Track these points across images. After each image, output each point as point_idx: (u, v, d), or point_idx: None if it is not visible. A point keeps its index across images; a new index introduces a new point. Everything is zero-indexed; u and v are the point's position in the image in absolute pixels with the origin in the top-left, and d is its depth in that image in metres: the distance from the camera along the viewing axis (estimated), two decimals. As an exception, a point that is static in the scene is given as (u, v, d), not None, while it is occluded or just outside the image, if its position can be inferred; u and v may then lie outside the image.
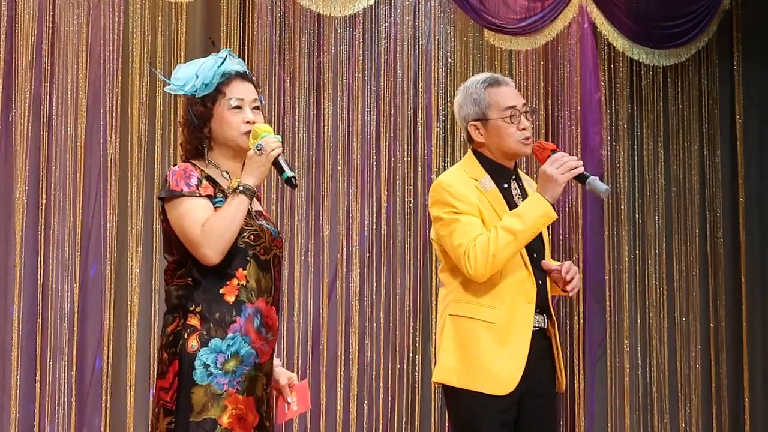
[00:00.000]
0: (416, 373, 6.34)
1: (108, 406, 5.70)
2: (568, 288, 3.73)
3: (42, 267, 5.62)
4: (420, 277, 6.41)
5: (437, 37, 6.59)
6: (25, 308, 5.56)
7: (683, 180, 7.33)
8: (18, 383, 5.53)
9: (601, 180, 3.68)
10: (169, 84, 3.44)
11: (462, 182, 3.77)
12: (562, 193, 3.69)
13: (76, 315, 5.66)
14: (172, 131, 5.92)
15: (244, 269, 3.28)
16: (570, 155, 3.65)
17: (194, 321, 3.25)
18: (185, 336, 3.24)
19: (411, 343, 6.35)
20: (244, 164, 3.32)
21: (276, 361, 3.48)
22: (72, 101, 5.71)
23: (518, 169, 3.89)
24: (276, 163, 3.27)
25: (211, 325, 3.24)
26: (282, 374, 3.50)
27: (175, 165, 3.35)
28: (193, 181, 3.29)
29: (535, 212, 3.60)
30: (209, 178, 3.33)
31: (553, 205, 3.62)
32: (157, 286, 5.82)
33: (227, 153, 3.37)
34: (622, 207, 7.12)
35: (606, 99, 7.08)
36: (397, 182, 6.41)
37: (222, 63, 3.39)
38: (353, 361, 6.23)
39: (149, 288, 5.82)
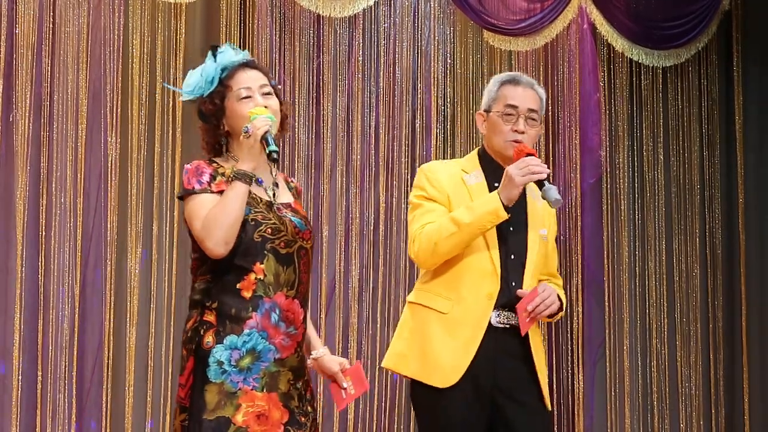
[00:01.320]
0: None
1: (108, 407, 5.71)
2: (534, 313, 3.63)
3: (43, 267, 5.63)
4: (417, 278, 6.40)
5: (437, 38, 6.60)
6: (25, 308, 5.57)
7: (683, 180, 7.34)
8: (19, 383, 5.54)
9: (559, 191, 3.62)
10: (181, 94, 3.44)
11: (445, 170, 3.79)
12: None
13: (76, 315, 5.66)
14: (172, 132, 5.93)
15: (262, 263, 3.25)
16: (541, 163, 3.59)
17: (210, 317, 3.24)
18: (201, 332, 3.24)
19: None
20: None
21: (323, 350, 3.48)
22: (72, 102, 5.73)
23: None
24: (264, 141, 3.25)
25: (227, 321, 3.23)
26: (332, 361, 3.48)
27: (188, 164, 3.36)
28: (205, 178, 3.29)
29: (484, 208, 3.57)
30: (225, 174, 3.32)
31: (506, 207, 3.56)
32: (155, 287, 5.84)
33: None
34: (622, 207, 7.13)
35: (605, 100, 7.09)
36: (396, 183, 6.42)
37: (216, 55, 3.39)
38: (351, 361, 6.22)
39: (148, 289, 5.83)
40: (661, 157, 7.28)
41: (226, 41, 6.05)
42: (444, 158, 6.52)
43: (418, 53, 6.55)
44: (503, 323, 3.66)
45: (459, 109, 6.65)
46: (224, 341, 3.21)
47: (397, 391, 6.34)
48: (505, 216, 3.58)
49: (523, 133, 3.72)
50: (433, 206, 3.71)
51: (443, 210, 3.69)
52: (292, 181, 3.57)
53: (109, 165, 5.78)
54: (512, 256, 3.70)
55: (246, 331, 3.22)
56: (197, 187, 3.28)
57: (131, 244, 5.80)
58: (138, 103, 5.87)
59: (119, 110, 5.82)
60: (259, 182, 3.33)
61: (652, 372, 7.13)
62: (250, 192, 3.27)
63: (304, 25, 6.28)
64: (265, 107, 3.32)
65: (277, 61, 6.19)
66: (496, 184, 3.71)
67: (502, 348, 3.65)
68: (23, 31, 5.64)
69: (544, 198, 3.57)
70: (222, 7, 6.10)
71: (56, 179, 5.68)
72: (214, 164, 3.34)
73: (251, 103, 3.33)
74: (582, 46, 6.97)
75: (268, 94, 3.38)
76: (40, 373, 5.58)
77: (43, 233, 5.65)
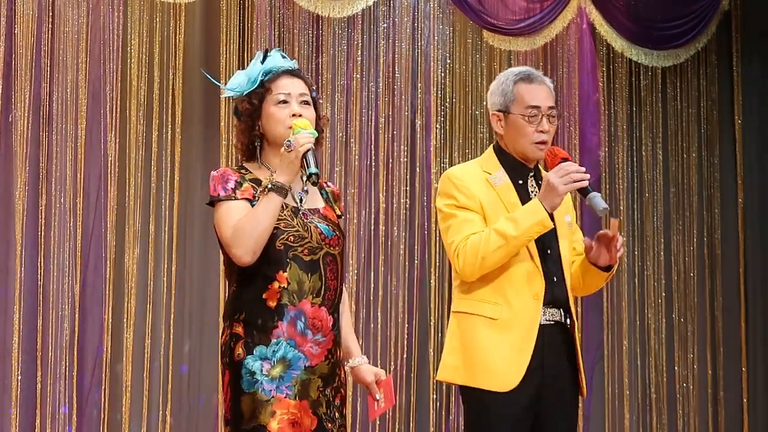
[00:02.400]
0: (413, 374, 6.35)
1: (107, 407, 5.71)
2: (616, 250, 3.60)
3: (42, 267, 5.64)
4: (417, 278, 6.41)
5: (436, 38, 6.60)
6: (25, 308, 5.58)
7: (682, 181, 7.34)
8: (18, 383, 5.54)
9: (603, 198, 3.59)
10: (224, 90, 3.46)
11: (470, 175, 3.73)
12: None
13: (76, 315, 5.67)
14: (171, 132, 5.93)
15: (285, 271, 3.26)
16: (579, 166, 3.55)
17: (239, 329, 3.27)
18: (232, 345, 3.27)
19: (408, 343, 6.36)
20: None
21: (360, 359, 3.49)
22: (72, 101, 5.73)
23: (540, 167, 3.81)
24: (304, 159, 3.25)
25: (255, 331, 3.25)
26: (368, 372, 3.49)
27: (215, 170, 3.37)
28: (230, 184, 3.30)
29: (530, 219, 3.52)
30: (254, 181, 3.33)
31: (551, 215, 3.53)
32: (152, 288, 5.84)
33: (278, 151, 3.33)
34: (621, 208, 7.12)
35: (605, 100, 7.09)
36: (396, 183, 6.42)
37: (264, 58, 3.40)
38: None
39: (145, 289, 5.83)
40: (660, 158, 7.28)
41: (225, 42, 6.06)
42: (442, 159, 6.54)
43: (417, 53, 6.54)
44: (549, 320, 3.65)
45: (458, 108, 6.65)
46: (254, 352, 3.24)
47: (397, 394, 6.34)
48: (551, 225, 3.54)
49: (547, 132, 3.70)
50: (470, 216, 3.65)
51: (480, 219, 3.65)
52: (327, 186, 3.57)
53: (109, 165, 5.78)
54: (548, 251, 3.67)
55: (274, 340, 3.25)
56: (222, 193, 3.29)
57: (129, 244, 5.80)
58: (137, 103, 5.87)
59: (118, 110, 5.82)
60: None
61: (651, 372, 7.12)
62: None
63: (303, 25, 6.27)
64: (300, 115, 3.33)
65: (276, 61, 6.19)
66: (521, 182, 3.70)
67: (549, 346, 3.63)
68: (22, 31, 5.64)
69: (589, 205, 3.54)
70: (221, 7, 6.10)
71: (56, 179, 5.68)
72: (242, 171, 3.36)
73: (287, 109, 3.34)
74: (581, 47, 6.97)
75: (306, 103, 3.39)
76: (40, 373, 5.59)
77: (43, 233, 5.65)
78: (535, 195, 3.68)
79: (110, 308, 5.72)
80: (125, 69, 5.86)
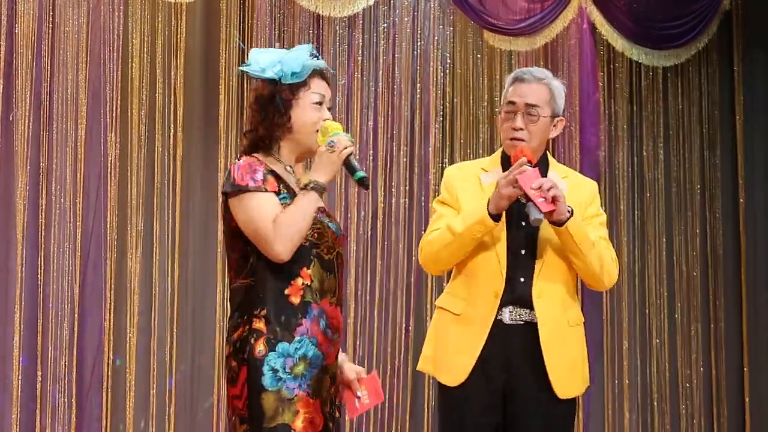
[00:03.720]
0: (410, 373, 6.35)
1: (108, 407, 5.71)
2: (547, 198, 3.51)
3: (42, 267, 5.64)
4: (415, 278, 6.41)
5: (436, 38, 6.59)
6: (25, 308, 5.58)
7: (683, 181, 7.33)
8: (19, 383, 5.55)
9: (540, 211, 3.53)
10: (247, 64, 3.38)
11: (461, 173, 3.79)
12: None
13: (76, 315, 5.67)
14: (172, 132, 5.93)
15: (308, 268, 3.22)
16: (533, 173, 3.51)
17: (260, 325, 3.20)
18: (251, 341, 3.19)
19: (405, 343, 6.36)
20: (310, 161, 3.29)
21: (342, 356, 3.45)
22: (72, 101, 5.73)
23: (550, 162, 3.80)
24: (347, 163, 3.22)
25: (278, 328, 3.19)
26: (350, 369, 3.46)
27: (239, 159, 3.29)
28: (259, 175, 3.22)
29: (473, 218, 3.57)
30: (273, 173, 3.27)
31: (494, 216, 3.54)
32: (157, 287, 5.84)
33: (295, 148, 3.31)
34: (622, 208, 7.12)
35: (605, 100, 7.08)
36: (395, 183, 6.42)
37: (316, 57, 3.37)
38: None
39: (149, 288, 5.83)
40: (661, 157, 7.27)
41: (226, 41, 6.06)
42: (442, 159, 6.54)
43: (417, 53, 6.54)
44: (515, 320, 3.65)
45: (458, 109, 6.65)
46: (276, 349, 3.18)
47: (394, 393, 6.34)
48: (492, 225, 3.56)
49: (521, 129, 3.67)
50: (446, 211, 3.72)
51: (454, 213, 3.69)
52: None
53: (109, 165, 5.78)
54: (522, 251, 3.66)
55: (297, 338, 3.20)
56: (251, 184, 3.20)
57: (131, 243, 5.80)
58: (138, 103, 5.88)
59: (119, 110, 5.82)
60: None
61: (652, 372, 7.12)
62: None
63: (303, 24, 6.27)
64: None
65: (276, 61, 6.18)
66: None
67: (514, 346, 3.64)
68: (23, 30, 5.64)
69: (526, 211, 3.55)
70: (222, 7, 6.09)
71: (56, 179, 5.68)
72: (262, 163, 3.27)
73: (319, 112, 3.31)
74: (582, 46, 6.95)
75: (329, 110, 3.38)
76: (40, 373, 5.59)
77: (43, 233, 5.65)
78: None
79: (111, 308, 5.72)
80: (126, 69, 5.86)
